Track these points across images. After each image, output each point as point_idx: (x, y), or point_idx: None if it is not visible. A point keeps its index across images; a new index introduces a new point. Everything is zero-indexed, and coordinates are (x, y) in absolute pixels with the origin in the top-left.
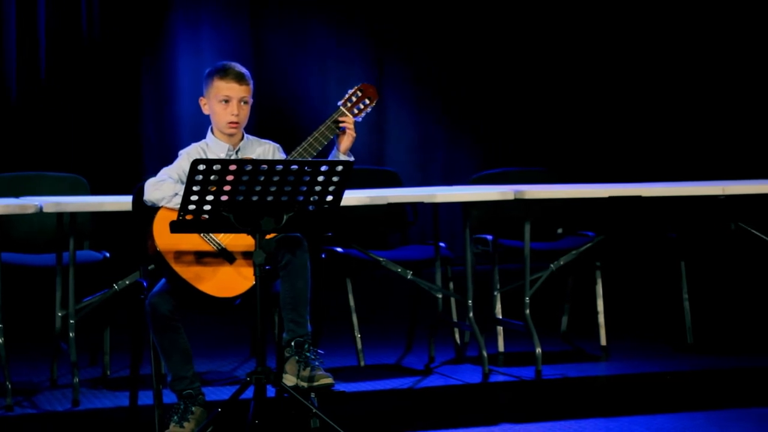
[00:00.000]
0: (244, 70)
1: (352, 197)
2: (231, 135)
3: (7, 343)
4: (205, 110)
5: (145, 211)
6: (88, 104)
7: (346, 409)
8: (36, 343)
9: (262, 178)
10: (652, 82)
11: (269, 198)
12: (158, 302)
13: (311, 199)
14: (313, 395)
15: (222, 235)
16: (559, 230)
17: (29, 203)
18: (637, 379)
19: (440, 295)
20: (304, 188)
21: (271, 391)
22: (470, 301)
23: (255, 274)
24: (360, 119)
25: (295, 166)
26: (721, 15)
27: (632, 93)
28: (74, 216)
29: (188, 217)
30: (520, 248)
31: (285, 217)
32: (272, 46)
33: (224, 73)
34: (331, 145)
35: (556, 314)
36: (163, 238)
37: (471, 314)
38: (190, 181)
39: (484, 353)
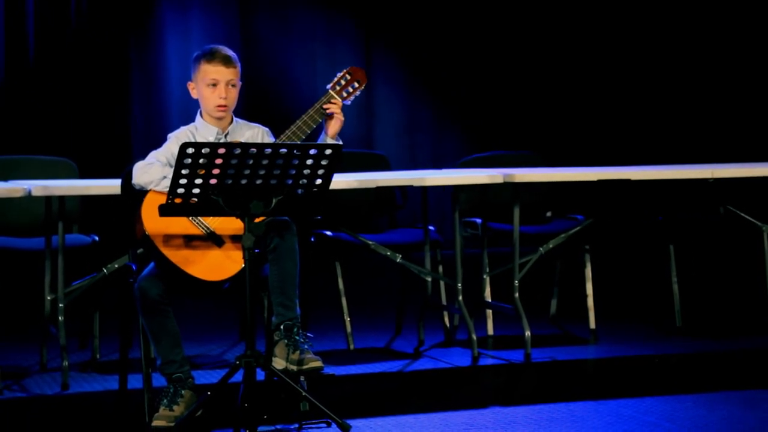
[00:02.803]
0: (231, 52)
1: (341, 181)
2: (220, 118)
3: None
4: (194, 94)
5: (134, 195)
6: (76, 88)
7: (336, 393)
8: (25, 326)
9: (251, 162)
10: (641, 66)
11: (258, 181)
12: (147, 286)
13: (300, 182)
14: (302, 378)
15: (211, 218)
16: (548, 213)
17: (18, 187)
18: (626, 362)
19: (429, 279)
20: (293, 172)
21: (260, 375)
22: (459, 285)
23: (244, 258)
24: (349, 102)
25: (284, 150)
26: (710, 0)
27: (621, 76)
28: (63, 199)
29: (177, 200)
30: (509, 231)
31: (274, 200)
32: (261, 29)
33: (211, 56)
34: (320, 128)
35: (545, 297)
36: (152, 221)
37: (460, 297)
38: (179, 164)
39: (474, 336)
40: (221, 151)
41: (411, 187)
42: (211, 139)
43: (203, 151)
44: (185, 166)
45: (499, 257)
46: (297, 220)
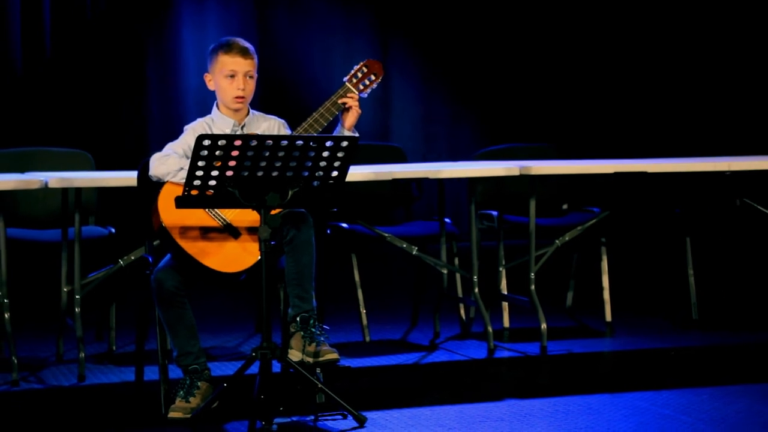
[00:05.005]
0: (248, 44)
1: (357, 173)
2: (237, 110)
3: (13, 318)
4: (210, 86)
5: (151, 187)
6: (93, 80)
7: (352, 385)
8: (42, 318)
9: (268, 154)
10: (658, 58)
11: (274, 173)
12: (164, 278)
13: (316, 174)
14: (318, 370)
15: (227, 210)
16: (565, 206)
17: (34, 179)
18: (642, 354)
19: (445, 271)
20: (309, 164)
21: (276, 367)
22: (475, 277)
23: (260, 250)
24: (365, 95)
25: (300, 142)
26: None
27: (638, 68)
28: (79, 191)
29: (193, 192)
30: (525, 224)
31: (290, 192)
32: (277, 21)
33: (229, 48)
34: (337, 121)
35: (562, 290)
36: (169, 213)
37: (476, 290)
38: (196, 156)
39: (489, 329)
40: (237, 143)
41: (427, 179)
42: (228, 131)
43: (219, 143)
44: (201, 158)
45: (515, 249)
46: (313, 212)
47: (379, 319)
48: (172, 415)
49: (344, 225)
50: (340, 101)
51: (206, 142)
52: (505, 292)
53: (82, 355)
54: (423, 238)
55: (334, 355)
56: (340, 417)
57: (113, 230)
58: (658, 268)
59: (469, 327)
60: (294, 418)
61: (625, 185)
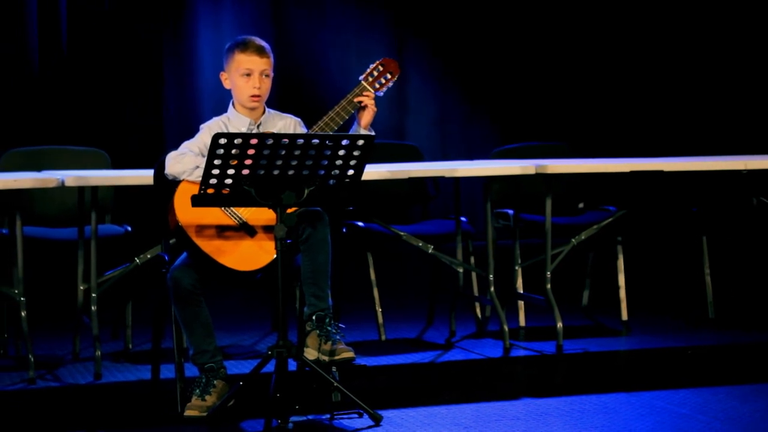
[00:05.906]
0: (264, 43)
1: (374, 171)
2: (253, 108)
3: (29, 316)
4: (227, 85)
5: (167, 185)
6: (109, 78)
7: (367, 383)
8: (58, 316)
9: (284, 152)
10: (673, 56)
11: (290, 172)
12: (180, 276)
13: (332, 173)
14: (334, 369)
15: (243, 209)
16: (581, 205)
17: (51, 177)
18: (659, 353)
19: (461, 270)
20: (326, 162)
21: (292, 365)
22: (491, 276)
23: (276, 248)
24: (381, 94)
25: (316, 140)
26: None
27: (653, 66)
28: (96, 190)
29: (209, 191)
30: (541, 223)
31: (306, 191)
32: (293, 20)
33: (245, 46)
34: (353, 119)
35: (578, 289)
36: (185, 211)
37: (492, 289)
38: (212, 154)
39: (505, 328)
40: (253, 141)
41: (443, 178)
42: (244, 130)
43: (236, 141)
44: (218, 157)
45: (531, 248)
46: (329, 211)
47: (394, 317)
48: (188, 413)
49: (360, 223)
50: (356, 100)
51: (222, 141)
52: (521, 291)
53: (99, 353)
54: (439, 237)
55: (350, 354)
56: (356, 416)
57: (129, 229)
58: (675, 267)
59: (484, 326)
60: (310, 417)
61: (641, 184)
